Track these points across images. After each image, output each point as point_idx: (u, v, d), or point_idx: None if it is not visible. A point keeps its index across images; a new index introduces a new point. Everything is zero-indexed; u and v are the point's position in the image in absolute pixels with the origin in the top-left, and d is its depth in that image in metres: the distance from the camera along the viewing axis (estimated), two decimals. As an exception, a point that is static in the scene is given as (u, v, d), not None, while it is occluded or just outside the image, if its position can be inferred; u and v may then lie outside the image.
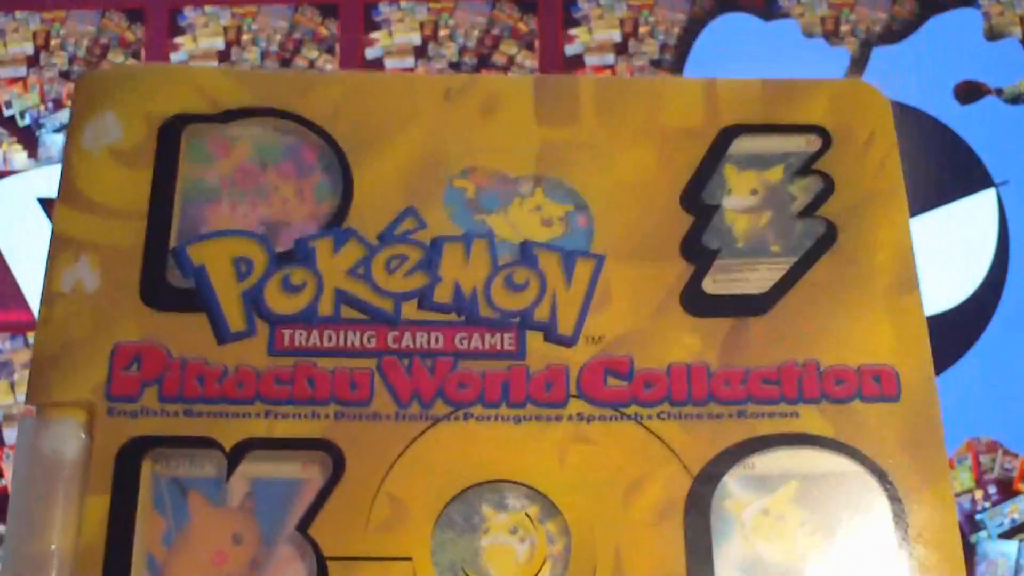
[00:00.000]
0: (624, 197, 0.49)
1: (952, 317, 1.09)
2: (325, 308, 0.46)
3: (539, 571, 0.44)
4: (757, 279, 0.48)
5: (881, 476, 0.45)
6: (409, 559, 0.43)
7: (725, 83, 0.51)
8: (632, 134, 0.50)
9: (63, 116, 0.82)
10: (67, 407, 0.44)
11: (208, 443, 0.44)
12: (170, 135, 0.49)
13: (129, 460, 0.44)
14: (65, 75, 0.87)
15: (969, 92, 1.19)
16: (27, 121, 0.86)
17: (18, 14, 0.89)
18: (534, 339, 0.47)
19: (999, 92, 1.19)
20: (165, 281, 0.46)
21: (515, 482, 0.45)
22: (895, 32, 1.19)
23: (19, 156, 0.86)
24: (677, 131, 0.50)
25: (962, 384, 1.04)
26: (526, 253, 0.48)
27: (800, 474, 0.45)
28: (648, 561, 0.44)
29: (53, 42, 0.87)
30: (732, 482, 0.45)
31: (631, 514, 0.44)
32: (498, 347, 0.46)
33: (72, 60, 0.86)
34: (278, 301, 0.46)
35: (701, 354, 0.46)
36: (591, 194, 0.49)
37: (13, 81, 0.86)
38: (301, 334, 0.46)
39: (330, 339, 0.46)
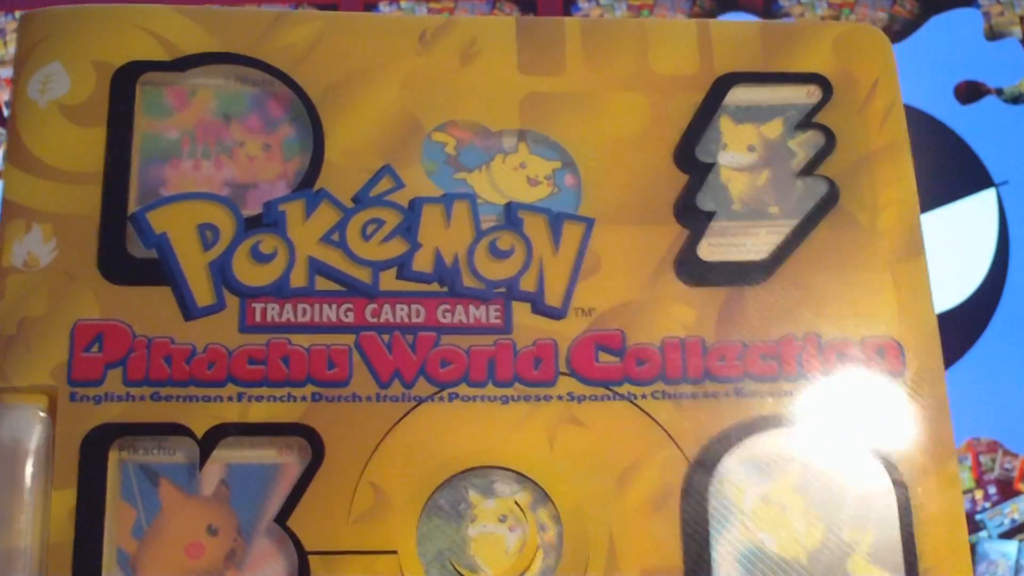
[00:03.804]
0: (614, 154, 0.46)
1: (952, 317, 1.09)
2: (298, 279, 0.43)
3: (531, 562, 0.42)
4: (755, 244, 0.46)
5: (886, 459, 0.43)
6: (394, 552, 0.41)
7: (720, 26, 0.48)
8: (622, 83, 0.46)
9: None
10: (27, 392, 0.42)
11: (178, 430, 0.42)
12: (123, 86, 0.45)
13: (94, 450, 0.41)
14: None
15: (969, 92, 1.16)
16: None
17: (18, 14, 0.87)
18: (521, 311, 0.44)
19: (999, 92, 1.17)
20: (125, 252, 0.43)
21: (503, 468, 0.43)
22: (895, 32, 1.16)
23: None
24: (670, 79, 0.47)
25: (962, 384, 1.04)
26: (511, 216, 0.45)
27: (802, 457, 0.43)
28: (643, 550, 0.42)
29: None
30: (731, 466, 0.43)
31: (625, 501, 0.42)
32: (483, 320, 0.44)
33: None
34: (248, 272, 0.43)
35: (696, 328, 0.44)
36: (579, 150, 0.46)
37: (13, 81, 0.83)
38: (273, 308, 0.43)
39: (304, 313, 0.43)
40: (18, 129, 0.44)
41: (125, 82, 0.45)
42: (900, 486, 0.43)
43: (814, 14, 1.12)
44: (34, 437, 0.41)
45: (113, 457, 0.42)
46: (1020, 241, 1.12)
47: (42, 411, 0.41)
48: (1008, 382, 1.07)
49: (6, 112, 0.84)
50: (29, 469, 0.41)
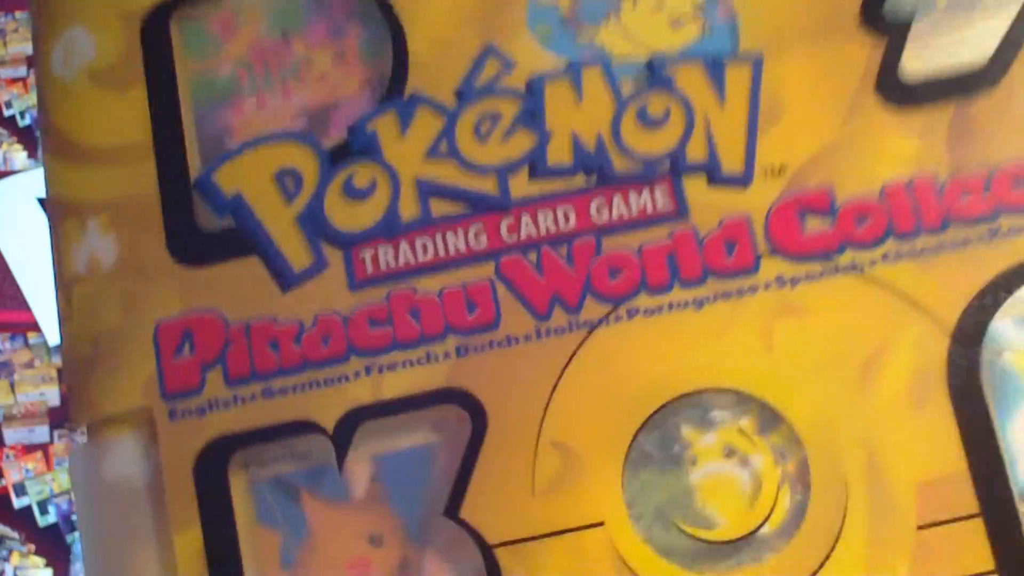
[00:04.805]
0: (771, -38, 0.35)
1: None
2: (408, 209, 0.34)
3: (775, 501, 0.33)
4: (973, 41, 0.34)
5: None
6: (600, 524, 0.32)
7: None
8: None
9: None
10: (121, 421, 0.34)
11: (304, 427, 0.33)
12: (157, 30, 0.36)
13: (211, 472, 0.33)
14: None
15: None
16: (27, 121, 0.84)
17: (18, 14, 0.86)
18: (695, 187, 0.34)
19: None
20: (196, 226, 0.35)
21: (715, 389, 0.33)
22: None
23: (19, 156, 0.83)
24: None
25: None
26: (656, 73, 0.35)
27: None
28: (913, 458, 0.32)
29: None
30: (1005, 328, 0.32)
31: (877, 400, 0.32)
32: (649, 209, 0.34)
33: (72, 59, 0.79)
34: (345, 215, 0.34)
35: (922, 162, 0.33)
36: (726, -32, 0.35)
37: (13, 81, 0.84)
38: (386, 252, 0.34)
39: (425, 250, 0.34)
40: (50, 115, 0.36)
41: (158, 25, 0.36)
42: None
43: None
44: (141, 472, 0.34)
45: (237, 476, 0.34)
46: None
47: (143, 439, 0.34)
48: None
49: (6, 112, 0.80)
50: (144, 511, 0.34)
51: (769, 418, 0.33)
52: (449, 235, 0.34)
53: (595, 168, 0.34)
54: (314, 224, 0.34)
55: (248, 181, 0.35)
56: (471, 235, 0.34)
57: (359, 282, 0.34)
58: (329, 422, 0.33)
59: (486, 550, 0.32)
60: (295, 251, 0.34)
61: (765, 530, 0.32)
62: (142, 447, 0.34)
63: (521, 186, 0.34)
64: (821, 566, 0.32)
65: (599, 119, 0.34)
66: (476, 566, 0.33)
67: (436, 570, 0.33)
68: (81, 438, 0.35)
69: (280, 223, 0.34)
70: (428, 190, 0.34)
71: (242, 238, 0.34)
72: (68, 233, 0.35)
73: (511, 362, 0.33)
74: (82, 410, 0.34)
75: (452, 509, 0.33)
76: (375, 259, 0.34)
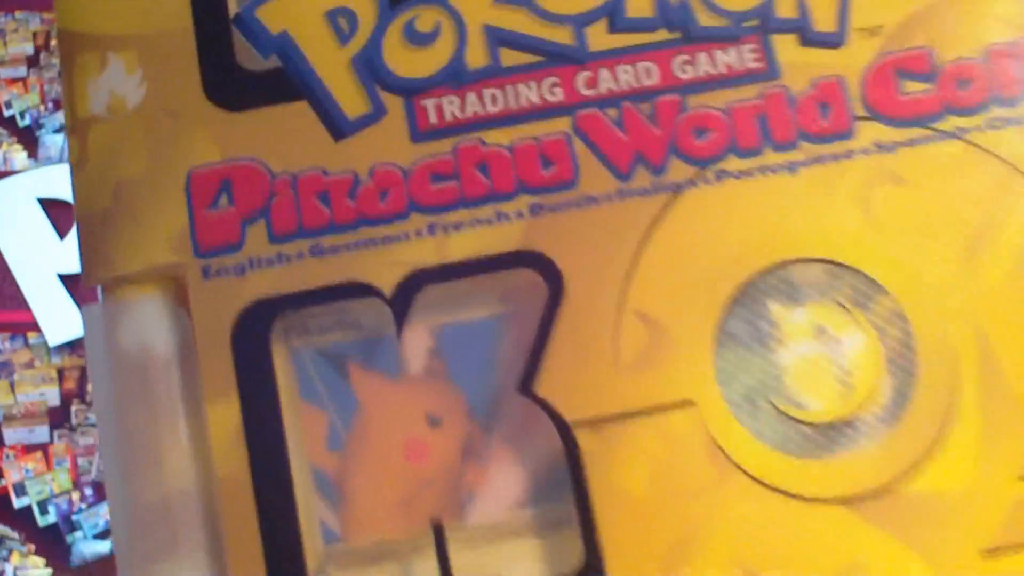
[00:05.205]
0: None
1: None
2: (476, 56, 0.31)
3: (875, 383, 0.30)
4: None
5: None
6: (690, 402, 0.29)
7: None
8: None
9: (63, 116, 0.73)
10: (144, 280, 0.30)
11: (359, 290, 0.30)
12: None
13: (252, 337, 0.29)
14: None
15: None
16: (27, 121, 0.83)
17: (18, 14, 0.85)
18: (785, 46, 0.31)
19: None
20: (237, 66, 0.31)
21: (808, 259, 0.30)
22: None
23: (19, 156, 0.83)
24: None
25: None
26: (742, -76, 0.32)
27: None
28: (1028, 335, 0.30)
29: (53, 42, 0.84)
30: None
31: (987, 274, 0.30)
32: (738, 67, 0.31)
33: (72, 59, 0.80)
34: (406, 60, 0.31)
35: (1030, 20, 0.32)
36: None
37: (13, 81, 0.84)
38: (452, 102, 0.31)
39: (495, 101, 0.31)
40: (59, -64, 0.32)
41: None
42: None
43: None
44: (167, 338, 0.30)
45: (278, 345, 0.30)
46: None
47: (171, 301, 0.30)
48: None
49: (6, 112, 0.81)
50: (170, 383, 0.29)
51: (867, 289, 0.30)
52: (521, 87, 0.31)
53: (678, 23, 0.31)
54: (371, 69, 0.31)
55: (296, 18, 0.31)
56: (545, 87, 0.31)
57: (422, 132, 0.30)
58: (387, 285, 0.30)
59: (564, 429, 0.29)
60: (349, 96, 0.31)
61: (866, 413, 0.30)
62: (169, 309, 0.30)
63: (599, 38, 0.31)
64: (931, 451, 0.29)
65: (682, -30, 0.32)
66: (552, 447, 0.29)
67: (505, 453, 0.30)
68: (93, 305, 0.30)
69: (333, 65, 0.31)
70: (498, 37, 0.31)
71: (289, 80, 0.31)
72: (83, 68, 0.31)
73: (590, 224, 0.30)
74: (98, 267, 0.30)
75: (526, 384, 0.29)
76: (439, 109, 0.31)
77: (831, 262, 0.30)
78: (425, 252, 0.30)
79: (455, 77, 0.31)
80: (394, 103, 0.31)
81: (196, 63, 0.31)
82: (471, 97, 0.31)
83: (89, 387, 0.75)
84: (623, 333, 0.29)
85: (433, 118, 0.31)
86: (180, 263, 0.30)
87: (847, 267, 0.30)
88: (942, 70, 0.31)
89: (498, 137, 0.30)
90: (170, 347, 0.30)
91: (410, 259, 0.30)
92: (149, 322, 0.30)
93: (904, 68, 0.31)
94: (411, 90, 0.31)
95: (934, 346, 0.30)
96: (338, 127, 0.30)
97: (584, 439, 0.29)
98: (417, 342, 0.30)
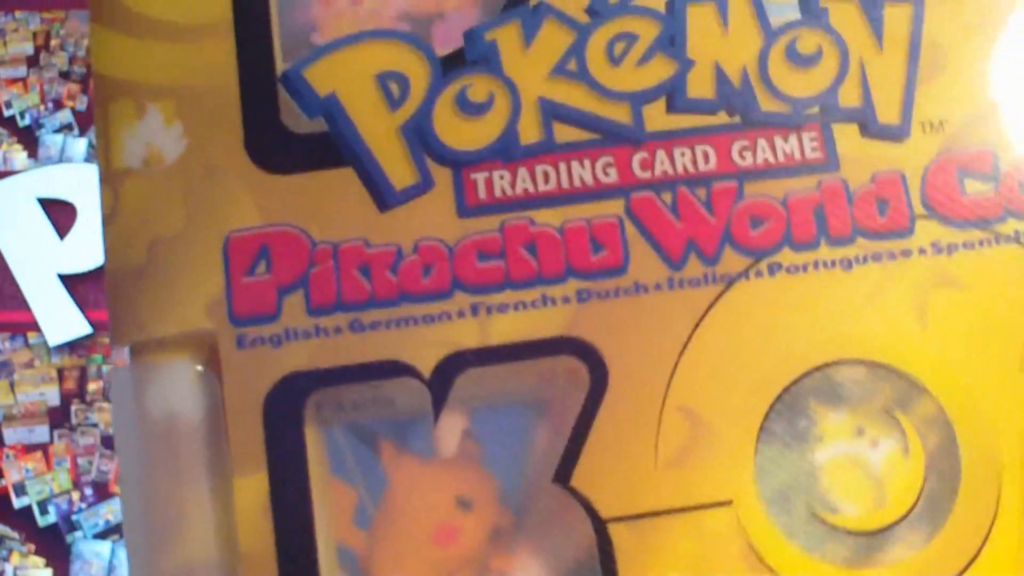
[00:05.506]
0: None
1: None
2: (529, 131, 0.30)
3: (914, 487, 0.29)
4: None
5: None
6: (729, 503, 0.29)
7: None
8: None
9: (63, 116, 0.80)
10: (175, 345, 0.29)
11: (397, 369, 0.29)
12: None
13: (284, 412, 0.28)
14: (65, 75, 0.82)
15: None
16: (27, 121, 0.81)
17: (18, 14, 0.83)
18: (846, 137, 0.31)
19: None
20: (282, 126, 0.30)
21: (858, 360, 0.30)
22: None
23: (19, 156, 0.81)
24: None
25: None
26: (809, 8, 0.31)
27: None
28: (1080, 452, 0.29)
29: (53, 42, 0.82)
30: None
31: (1040, 383, 0.29)
32: (797, 156, 0.30)
33: (72, 60, 0.82)
34: (457, 131, 0.30)
35: (1100, 127, 0.31)
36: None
37: (13, 81, 0.82)
38: (502, 177, 0.30)
39: (547, 178, 0.30)
40: (102, -24, 0.31)
41: None
42: None
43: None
44: (197, 406, 0.29)
45: (310, 419, 0.29)
46: None
47: (202, 368, 0.29)
48: None
49: (6, 112, 0.80)
50: (197, 452, 0.29)
51: (910, 393, 0.30)
52: (574, 164, 0.30)
53: (739, 106, 0.30)
54: (421, 137, 0.30)
55: (346, 80, 0.30)
56: (599, 167, 0.30)
57: (470, 208, 0.30)
58: (426, 366, 0.29)
59: (599, 524, 0.28)
60: (397, 165, 0.30)
61: (902, 522, 0.29)
62: (199, 375, 0.29)
63: (657, 118, 0.30)
64: (970, 563, 0.29)
65: (745, 51, 0.31)
66: (585, 541, 0.28)
67: (534, 542, 0.29)
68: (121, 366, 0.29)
69: (381, 132, 0.30)
70: (552, 112, 0.30)
71: (335, 145, 0.30)
72: (119, 116, 0.30)
73: (638, 313, 0.29)
74: (130, 327, 0.29)
75: (562, 475, 0.28)
76: (489, 183, 0.30)
77: (880, 364, 0.30)
78: (467, 333, 0.29)
79: (507, 151, 0.30)
80: (442, 175, 0.30)
81: (239, 120, 0.30)
82: (522, 172, 0.30)
83: (90, 387, 0.74)
84: (665, 428, 0.29)
85: (482, 193, 0.30)
86: (213, 330, 0.29)
87: (892, 368, 0.30)
88: (1004, 172, 0.30)
89: (548, 217, 0.30)
90: (199, 414, 0.29)
91: (451, 339, 0.29)
92: (179, 388, 0.29)
93: (966, 167, 0.30)
94: (461, 162, 0.30)
95: (978, 455, 0.29)
96: (383, 197, 0.29)
97: (618, 535, 0.28)
98: (452, 423, 0.29)
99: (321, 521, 0.28)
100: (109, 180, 0.30)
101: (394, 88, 0.30)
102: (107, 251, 0.29)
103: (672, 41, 0.31)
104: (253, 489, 0.28)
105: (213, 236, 0.29)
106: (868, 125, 0.31)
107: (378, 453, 0.29)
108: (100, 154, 0.30)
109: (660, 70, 0.30)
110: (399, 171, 0.30)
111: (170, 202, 0.29)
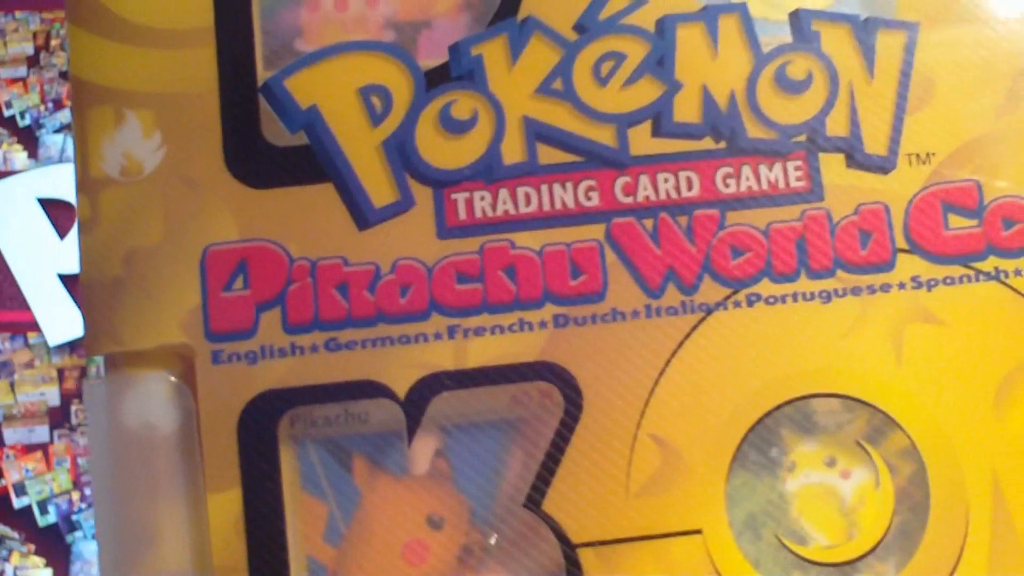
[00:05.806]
0: (938, -81, 0.31)
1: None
2: (512, 151, 0.30)
3: (881, 519, 0.30)
4: None
5: None
6: (698, 532, 0.29)
7: None
8: None
9: (63, 116, 0.81)
10: (151, 358, 0.29)
11: (371, 389, 0.29)
12: None
13: (258, 429, 0.28)
14: (65, 75, 0.82)
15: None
16: (27, 121, 0.83)
17: (18, 14, 0.84)
18: (832, 166, 0.30)
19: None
20: (262, 139, 0.30)
21: (832, 394, 0.30)
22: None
23: (19, 156, 0.82)
24: None
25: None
26: (801, 29, 0.31)
27: None
28: (1047, 493, 0.29)
29: (53, 42, 0.83)
30: None
31: (1010, 424, 0.30)
32: (780, 184, 0.30)
33: (72, 60, 0.80)
34: (439, 149, 0.30)
35: (1088, 166, 0.31)
36: (886, -79, 0.32)
37: (13, 81, 0.83)
38: (483, 198, 0.30)
39: (528, 200, 0.30)
40: (82, -24, 0.30)
41: None
42: None
43: None
44: (170, 418, 0.29)
45: (283, 435, 0.29)
46: None
47: (177, 381, 0.29)
48: None
49: (6, 112, 0.81)
50: (171, 464, 0.29)
51: (881, 426, 0.30)
52: (556, 187, 0.30)
53: (725, 132, 0.30)
54: (402, 154, 0.29)
55: (328, 93, 0.30)
56: (581, 191, 0.30)
57: (450, 229, 0.29)
58: (401, 387, 0.29)
59: (568, 548, 0.29)
60: (377, 183, 0.29)
61: (869, 556, 0.30)
62: (174, 388, 0.29)
63: (642, 141, 0.30)
64: (933, 601, 0.29)
65: (734, 74, 0.30)
66: (553, 565, 0.29)
67: (504, 564, 0.29)
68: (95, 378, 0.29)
69: (362, 147, 0.29)
70: (536, 132, 0.30)
71: (315, 159, 0.29)
72: (98, 123, 0.29)
73: (615, 340, 0.29)
74: (104, 339, 0.29)
75: (534, 499, 0.29)
76: (469, 204, 0.29)
77: (853, 398, 0.30)
78: (443, 356, 0.29)
79: (489, 171, 0.30)
80: (423, 193, 0.29)
81: (219, 131, 0.29)
82: (503, 194, 0.30)
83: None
84: (637, 456, 0.29)
85: (463, 214, 0.29)
86: (189, 344, 0.29)
87: (868, 404, 0.30)
88: (989, 207, 0.30)
89: (528, 240, 0.29)
90: (173, 427, 0.29)
91: (427, 361, 0.29)
92: (153, 400, 0.29)
93: (951, 201, 0.30)
94: (442, 181, 0.29)
95: (947, 489, 0.29)
96: (363, 215, 0.29)
97: (587, 560, 0.29)
98: (425, 442, 0.29)
99: (293, 537, 0.29)
100: (86, 188, 0.29)
101: (377, 102, 0.30)
102: (83, 261, 0.29)
103: (660, 62, 0.30)
104: (227, 504, 0.28)
105: (191, 249, 0.29)
106: (854, 156, 0.30)
107: (351, 469, 0.30)
108: (77, 161, 0.30)
109: (647, 92, 0.30)
110: (379, 189, 0.29)
111: (148, 213, 0.29)
